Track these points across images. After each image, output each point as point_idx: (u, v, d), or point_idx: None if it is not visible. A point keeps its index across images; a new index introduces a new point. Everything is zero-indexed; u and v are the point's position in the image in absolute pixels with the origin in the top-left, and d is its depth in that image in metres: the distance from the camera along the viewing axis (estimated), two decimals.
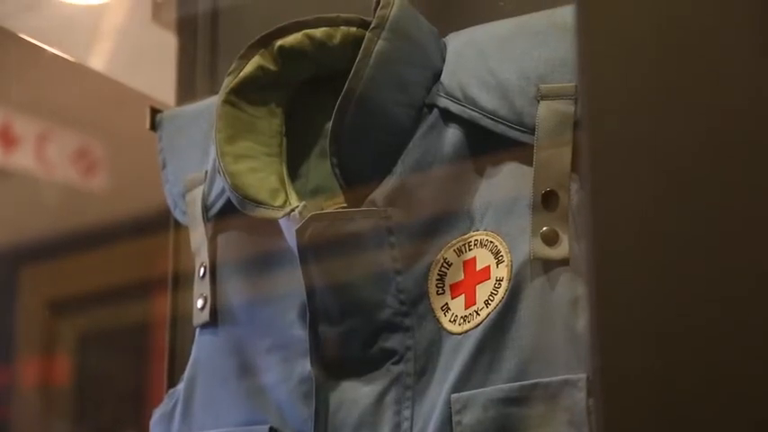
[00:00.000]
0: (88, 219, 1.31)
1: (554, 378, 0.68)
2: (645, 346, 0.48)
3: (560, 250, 0.71)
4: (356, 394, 0.75)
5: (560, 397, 0.68)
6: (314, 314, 0.77)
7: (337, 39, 0.80)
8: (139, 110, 0.98)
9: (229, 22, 1.08)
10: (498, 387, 0.70)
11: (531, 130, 0.72)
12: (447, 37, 0.80)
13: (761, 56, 0.47)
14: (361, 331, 0.76)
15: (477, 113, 0.75)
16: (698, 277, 0.46)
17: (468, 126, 0.75)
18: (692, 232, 0.47)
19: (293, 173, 0.84)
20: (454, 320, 0.74)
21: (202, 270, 0.86)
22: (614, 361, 0.49)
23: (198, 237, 0.87)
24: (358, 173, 0.77)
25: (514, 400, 0.69)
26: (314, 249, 0.76)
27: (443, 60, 0.78)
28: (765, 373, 0.46)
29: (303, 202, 0.77)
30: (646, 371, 0.48)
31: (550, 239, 0.71)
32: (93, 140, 1.34)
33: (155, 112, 0.97)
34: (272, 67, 0.83)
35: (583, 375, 0.67)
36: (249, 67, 0.83)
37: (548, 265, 0.71)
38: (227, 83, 0.83)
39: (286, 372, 0.79)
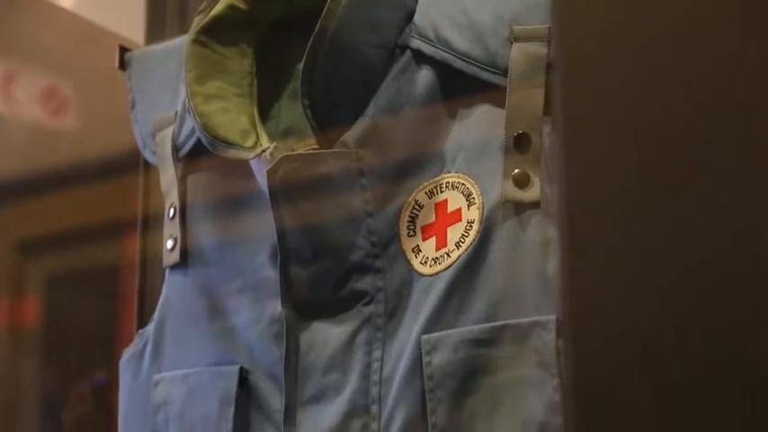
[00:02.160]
0: (57, 159, 1.29)
1: (524, 319, 0.69)
2: (615, 289, 0.48)
3: (532, 193, 0.71)
4: (327, 335, 0.76)
5: (530, 338, 0.68)
6: (285, 255, 0.77)
7: None
8: (109, 49, 0.97)
9: None
10: (468, 328, 0.70)
11: (504, 72, 0.72)
12: None
13: None
14: (332, 273, 0.76)
15: (449, 55, 0.74)
16: (670, 220, 0.47)
17: (440, 67, 0.75)
18: (664, 175, 0.47)
19: (264, 114, 0.83)
20: (425, 262, 0.74)
21: (172, 211, 0.86)
22: (584, 303, 0.49)
23: (168, 177, 0.87)
24: (330, 114, 0.76)
25: (484, 342, 0.69)
26: (285, 191, 0.75)
27: (416, 0, 0.77)
28: (737, 317, 0.46)
29: (274, 144, 0.77)
30: (615, 313, 0.49)
31: (522, 182, 0.71)
32: (61, 80, 1.33)
33: (124, 50, 0.96)
34: (242, 6, 0.82)
35: (552, 317, 0.67)
36: (220, 6, 0.82)
37: (519, 208, 0.71)
38: (197, 22, 0.82)
39: (256, 313, 0.79)
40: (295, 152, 0.77)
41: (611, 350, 0.48)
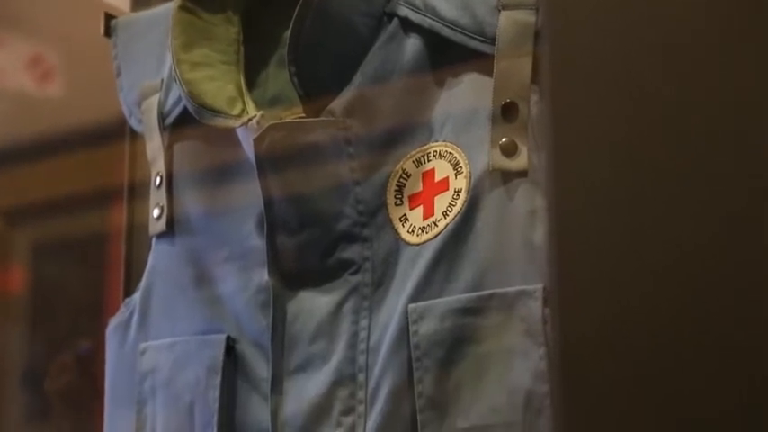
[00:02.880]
0: (43, 127, 1.29)
1: (510, 288, 0.69)
2: (601, 258, 0.48)
3: (519, 162, 0.71)
4: (313, 304, 0.76)
5: (516, 307, 0.68)
6: (272, 224, 0.76)
7: None
8: (95, 16, 0.96)
9: None
10: (455, 297, 0.70)
11: (492, 41, 0.72)
12: None
13: None
14: (320, 242, 0.76)
15: (437, 23, 0.74)
16: (659, 189, 0.47)
17: (428, 36, 0.75)
18: (653, 144, 0.47)
19: (251, 82, 0.83)
20: (412, 231, 0.74)
21: (158, 179, 0.85)
22: (571, 271, 0.49)
23: (154, 146, 0.86)
24: (317, 83, 0.76)
25: (471, 311, 0.69)
26: (271, 159, 0.75)
27: None
28: (725, 283, 0.46)
29: (261, 112, 0.77)
30: (602, 281, 0.49)
31: (509, 151, 0.71)
32: (47, 47, 1.32)
33: (109, 17, 0.95)
34: None
35: (539, 286, 0.68)
36: None
37: (506, 177, 0.71)
38: None
39: (243, 282, 0.79)
40: (282, 121, 0.77)
41: (597, 319, 0.48)
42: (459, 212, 0.71)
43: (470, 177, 0.72)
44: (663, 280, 0.47)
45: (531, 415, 0.66)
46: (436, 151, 0.74)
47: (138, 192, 0.99)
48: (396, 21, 0.76)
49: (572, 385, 0.49)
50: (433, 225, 0.73)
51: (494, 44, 0.71)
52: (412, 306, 0.71)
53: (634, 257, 0.48)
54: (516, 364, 0.68)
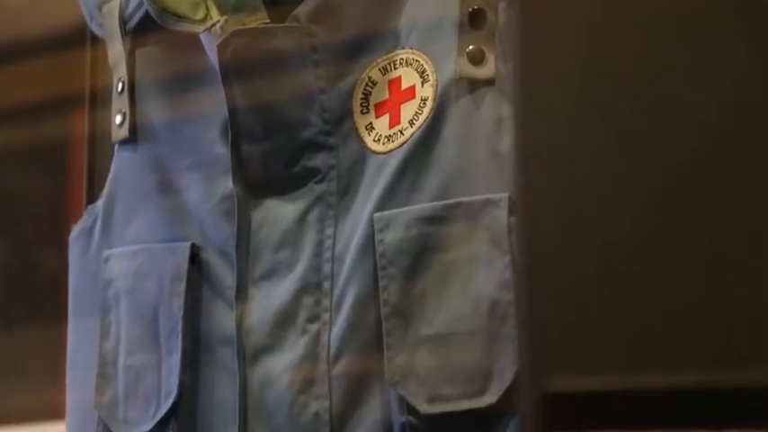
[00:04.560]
0: (3, 33, 1.27)
1: (476, 197, 0.69)
2: (567, 166, 0.48)
3: (486, 70, 0.70)
4: (279, 213, 0.76)
5: (482, 216, 0.68)
6: (236, 132, 0.76)
7: None
8: None
9: None
10: (421, 206, 0.70)
11: None
12: None
13: None
14: (285, 150, 0.75)
15: None
16: (626, 97, 0.46)
17: None
18: (622, 50, 0.46)
19: None
20: (378, 140, 0.73)
21: (120, 85, 0.84)
22: (536, 180, 0.49)
23: (115, 51, 0.85)
24: None
25: (437, 219, 0.70)
26: (236, 66, 0.74)
27: None
28: (691, 191, 0.46)
29: (224, 17, 0.76)
30: (567, 190, 0.49)
31: (476, 58, 0.70)
32: None
33: None
34: None
35: (505, 194, 0.68)
36: None
37: (473, 85, 0.70)
38: None
39: (208, 190, 0.79)
40: (246, 26, 0.75)
41: (562, 227, 0.49)
42: (425, 121, 0.71)
43: (437, 85, 0.71)
44: (628, 188, 0.47)
45: (496, 323, 0.67)
46: (403, 59, 0.74)
47: (99, 98, 0.98)
48: None
49: (536, 294, 0.49)
50: (399, 133, 0.72)
51: None
52: (377, 215, 0.71)
53: (600, 166, 0.48)
54: (481, 272, 0.68)
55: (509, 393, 0.66)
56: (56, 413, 0.94)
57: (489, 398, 0.67)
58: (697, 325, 0.46)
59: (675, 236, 0.46)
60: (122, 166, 0.84)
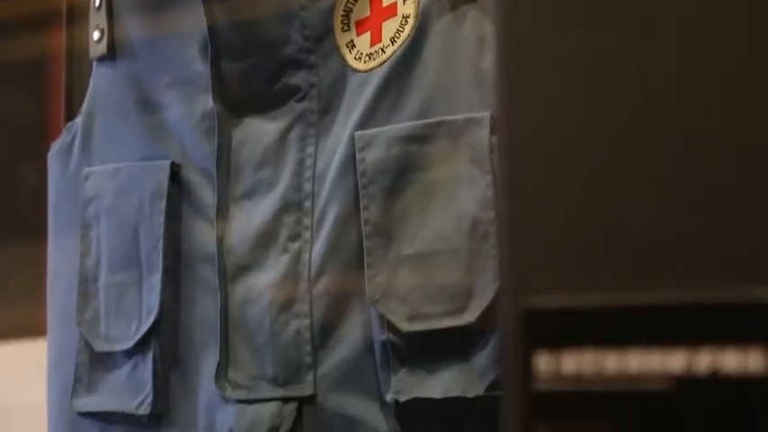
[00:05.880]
0: None
1: (458, 116, 0.69)
2: (550, 84, 0.48)
3: None
4: (259, 131, 0.75)
5: (463, 135, 0.68)
6: (215, 49, 0.75)
7: None
8: None
9: None
10: (402, 125, 0.70)
11: None
12: None
13: None
14: (265, 67, 0.75)
15: None
16: (607, 18, 0.46)
17: None
18: None
19: None
20: (359, 58, 0.73)
21: (98, 1, 0.83)
22: (518, 98, 0.49)
23: None
24: None
25: (418, 138, 0.69)
26: None
27: None
28: (669, 111, 0.46)
29: None
30: (549, 109, 0.49)
31: None
32: None
33: None
34: None
35: (486, 113, 0.68)
36: None
37: (455, 2, 0.70)
38: None
39: (188, 108, 0.78)
40: None
41: (543, 146, 0.49)
42: (406, 39, 0.71)
43: (419, 3, 0.71)
44: (610, 107, 0.47)
45: (477, 241, 0.67)
46: None
47: (78, 14, 0.97)
48: None
49: (517, 213, 0.49)
50: (380, 51, 0.72)
51: None
52: (359, 134, 0.71)
53: (583, 84, 0.47)
54: (463, 191, 0.68)
55: (489, 311, 0.67)
56: (37, 330, 0.95)
57: (469, 316, 0.67)
58: (673, 244, 0.46)
59: (655, 156, 0.46)
60: (101, 83, 0.83)
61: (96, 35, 0.83)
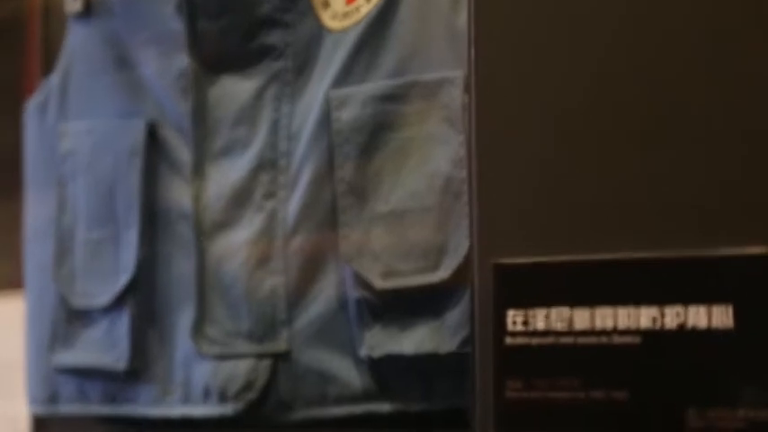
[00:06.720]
0: None
1: (432, 75, 0.69)
2: (522, 44, 0.49)
3: None
4: (235, 89, 0.75)
5: (438, 95, 0.68)
6: (192, 8, 0.75)
7: None
8: None
9: None
10: (376, 84, 0.70)
11: None
12: None
13: None
14: (241, 26, 0.75)
15: None
16: None
17: None
18: None
19: None
20: (334, 17, 0.73)
21: None
22: (491, 56, 0.49)
23: None
24: None
25: (393, 97, 0.70)
26: None
27: None
28: (637, 79, 0.47)
29: None
30: (521, 69, 0.49)
31: None
32: None
33: None
34: None
35: (460, 73, 0.68)
36: None
37: None
38: None
39: (164, 66, 0.78)
40: None
41: (515, 105, 0.49)
42: None
43: None
44: (581, 66, 0.48)
45: (450, 200, 0.68)
46: None
47: None
48: None
49: (488, 171, 0.50)
50: (355, 10, 0.72)
51: None
52: (334, 92, 0.71)
53: (555, 44, 0.48)
54: (436, 150, 0.68)
55: (462, 269, 0.67)
56: (14, 285, 0.95)
57: (442, 273, 0.68)
58: (643, 202, 0.47)
59: (626, 115, 0.47)
60: (77, 39, 0.83)
61: None
